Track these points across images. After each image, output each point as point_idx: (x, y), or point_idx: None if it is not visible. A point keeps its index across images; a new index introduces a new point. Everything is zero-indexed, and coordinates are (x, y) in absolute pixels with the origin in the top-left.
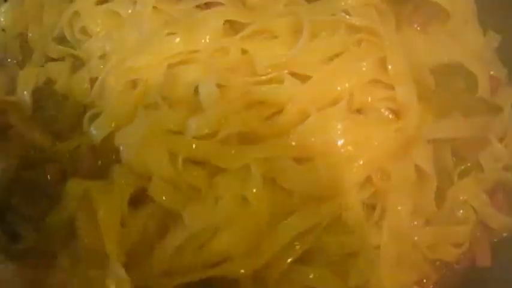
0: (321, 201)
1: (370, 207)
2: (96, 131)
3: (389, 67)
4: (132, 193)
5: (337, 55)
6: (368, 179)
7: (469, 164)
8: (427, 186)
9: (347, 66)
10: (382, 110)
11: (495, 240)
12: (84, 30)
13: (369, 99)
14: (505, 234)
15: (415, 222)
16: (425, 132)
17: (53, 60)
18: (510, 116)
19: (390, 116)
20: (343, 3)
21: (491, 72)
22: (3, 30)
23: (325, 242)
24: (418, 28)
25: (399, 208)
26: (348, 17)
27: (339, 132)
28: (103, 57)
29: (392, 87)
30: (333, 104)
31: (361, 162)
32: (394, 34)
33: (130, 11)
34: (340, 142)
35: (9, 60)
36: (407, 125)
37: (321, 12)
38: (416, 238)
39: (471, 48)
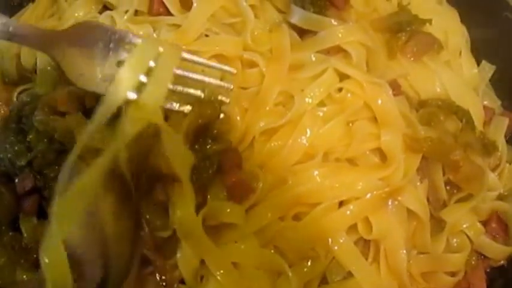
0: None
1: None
2: None
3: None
4: None
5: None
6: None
7: (463, 194)
8: (420, 224)
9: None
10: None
11: (490, 269)
12: None
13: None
14: (501, 263)
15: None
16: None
17: None
18: (503, 146)
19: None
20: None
21: (485, 102)
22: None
23: None
24: (412, 58)
25: (393, 245)
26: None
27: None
28: None
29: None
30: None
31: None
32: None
33: None
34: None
35: (6, 80)
36: (393, 175)
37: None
38: (410, 267)
39: (465, 78)
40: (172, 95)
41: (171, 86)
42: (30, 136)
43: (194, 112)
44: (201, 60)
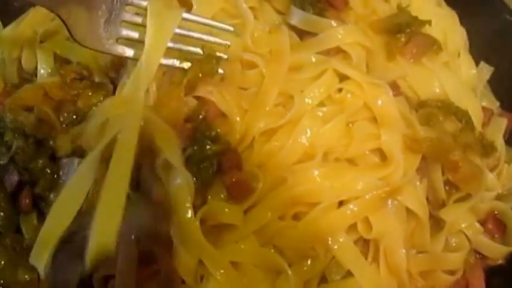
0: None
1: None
2: None
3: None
4: None
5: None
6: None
7: (462, 194)
8: (420, 224)
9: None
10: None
11: (488, 267)
12: None
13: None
14: (499, 262)
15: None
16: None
17: None
18: (502, 147)
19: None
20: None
21: (484, 103)
22: (2, 54)
23: None
24: (411, 59)
25: (392, 245)
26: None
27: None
28: None
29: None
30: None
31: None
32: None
33: None
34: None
35: (8, 84)
36: (392, 174)
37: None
38: (409, 266)
39: (463, 79)
40: (173, 52)
41: (171, 44)
42: (7, 138)
43: (194, 68)
44: (200, 19)
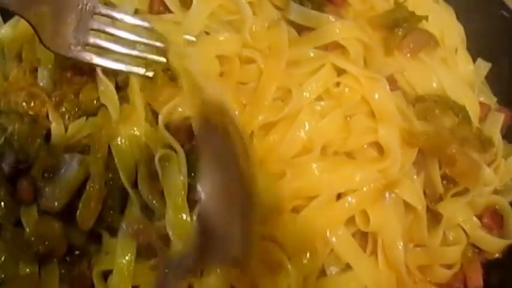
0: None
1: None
2: None
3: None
4: None
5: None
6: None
7: (460, 188)
8: (417, 217)
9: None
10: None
11: (486, 261)
12: None
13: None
14: (496, 256)
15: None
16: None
17: None
18: (499, 142)
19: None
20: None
21: (481, 99)
22: (2, 51)
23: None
24: (408, 54)
25: (391, 238)
26: (331, 56)
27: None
28: None
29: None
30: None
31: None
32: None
33: None
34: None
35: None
36: (390, 168)
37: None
38: (407, 260)
39: (461, 75)
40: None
41: (136, 52)
42: (1, 120)
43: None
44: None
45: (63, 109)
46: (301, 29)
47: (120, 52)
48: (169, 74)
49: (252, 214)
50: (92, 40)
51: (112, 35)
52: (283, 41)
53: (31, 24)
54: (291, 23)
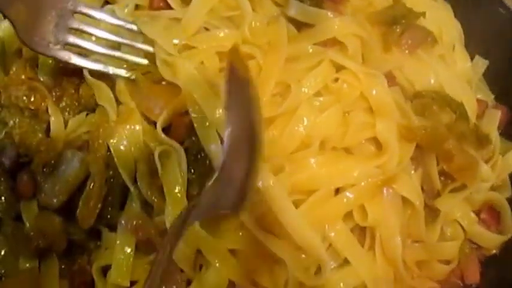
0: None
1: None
2: None
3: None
4: None
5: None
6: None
7: (457, 184)
8: (415, 213)
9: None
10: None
11: (483, 257)
12: None
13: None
14: (493, 251)
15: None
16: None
17: None
18: (496, 138)
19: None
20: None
21: (479, 96)
22: (3, 46)
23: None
24: (407, 51)
25: (388, 233)
26: (329, 52)
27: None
28: None
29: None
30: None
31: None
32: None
33: None
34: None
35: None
36: (388, 163)
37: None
38: (405, 256)
39: (459, 72)
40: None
41: (119, 54)
42: (2, 114)
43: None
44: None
45: (63, 104)
46: (300, 26)
47: (99, 52)
48: (151, 77)
49: (255, 161)
50: (71, 39)
51: (91, 35)
52: (282, 37)
53: (11, 22)
54: (290, 20)
